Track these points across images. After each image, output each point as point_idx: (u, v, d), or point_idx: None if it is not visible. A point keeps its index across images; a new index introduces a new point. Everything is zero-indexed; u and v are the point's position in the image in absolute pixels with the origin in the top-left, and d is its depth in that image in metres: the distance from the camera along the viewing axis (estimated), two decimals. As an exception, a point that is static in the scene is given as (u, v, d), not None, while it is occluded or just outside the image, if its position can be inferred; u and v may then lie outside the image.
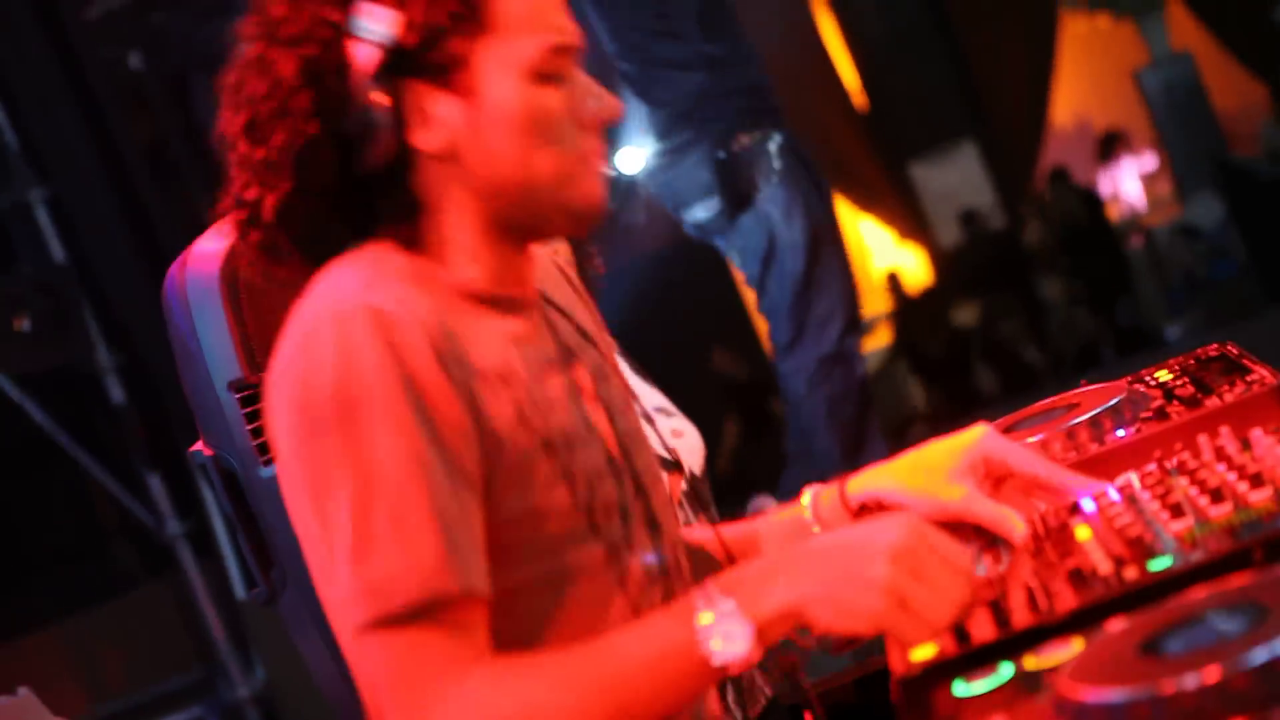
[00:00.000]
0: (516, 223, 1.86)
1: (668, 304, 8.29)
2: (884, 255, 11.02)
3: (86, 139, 6.82)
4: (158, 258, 2.27)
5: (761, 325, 8.96)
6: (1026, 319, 9.63)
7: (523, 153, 1.81)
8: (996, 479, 1.97)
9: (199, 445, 2.69)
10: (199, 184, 6.59)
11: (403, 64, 1.77)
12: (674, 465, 3.35)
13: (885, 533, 1.66)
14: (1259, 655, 1.32)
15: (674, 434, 3.45)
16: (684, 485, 3.36)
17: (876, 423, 5.08)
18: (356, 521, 1.67)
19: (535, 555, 1.80)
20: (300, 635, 2.71)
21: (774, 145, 5.01)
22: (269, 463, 2.53)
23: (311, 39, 1.78)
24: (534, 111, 1.80)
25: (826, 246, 5.05)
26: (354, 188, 1.82)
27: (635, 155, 7.21)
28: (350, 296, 1.75)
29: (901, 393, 9.34)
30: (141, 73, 7.53)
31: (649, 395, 3.54)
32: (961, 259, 10.38)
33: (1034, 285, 10.06)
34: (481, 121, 1.80)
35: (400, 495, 1.67)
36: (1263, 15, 7.34)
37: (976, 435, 1.98)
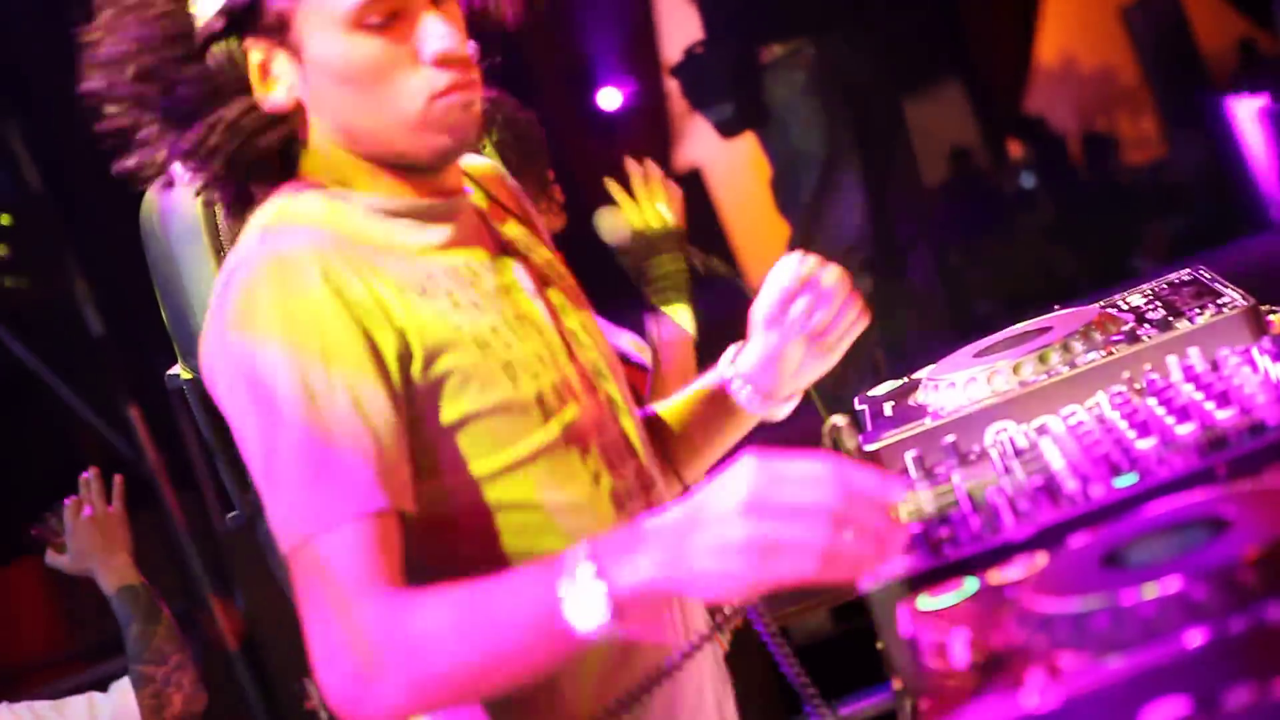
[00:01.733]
0: (382, 158, 1.95)
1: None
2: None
3: (61, 66, 6.78)
4: (136, 185, 2.27)
5: (747, 259, 8.97)
6: (1010, 254, 9.64)
7: (353, 100, 1.90)
8: None
9: (176, 368, 2.70)
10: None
11: (238, 25, 1.89)
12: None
13: (731, 487, 1.57)
14: (1218, 566, 1.34)
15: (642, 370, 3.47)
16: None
17: (874, 337, 5.13)
18: (274, 457, 1.78)
19: (492, 446, 1.88)
20: (277, 560, 2.73)
21: (807, 58, 5.03)
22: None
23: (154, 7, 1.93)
24: (355, 60, 1.88)
25: (842, 166, 5.09)
26: (223, 133, 1.93)
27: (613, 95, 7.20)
28: (254, 244, 1.89)
29: (898, 315, 9.34)
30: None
31: (618, 335, 3.55)
32: (949, 196, 10.37)
33: (1019, 221, 10.06)
34: (311, 75, 1.90)
35: (316, 426, 1.76)
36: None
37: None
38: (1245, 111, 5.65)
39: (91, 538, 3.54)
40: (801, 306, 2.19)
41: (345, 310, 1.82)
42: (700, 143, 8.38)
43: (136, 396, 6.46)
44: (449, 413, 1.87)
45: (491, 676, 1.71)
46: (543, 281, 2.05)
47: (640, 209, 3.23)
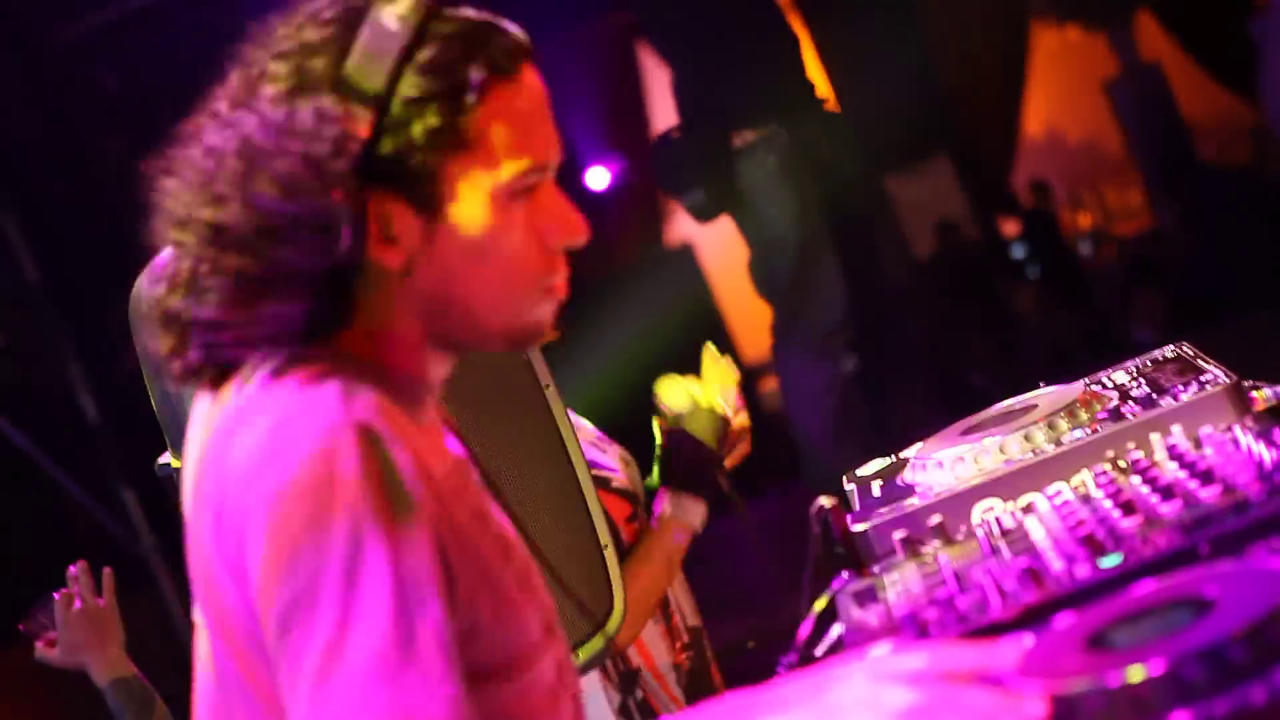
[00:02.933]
0: (452, 338, 1.75)
1: (644, 316, 8.32)
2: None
3: (58, 158, 6.82)
4: (130, 275, 2.29)
5: (739, 332, 9.00)
6: (1001, 327, 9.67)
7: (477, 274, 1.70)
8: None
9: (165, 457, 2.70)
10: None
11: (374, 172, 1.64)
12: (627, 494, 3.35)
13: (850, 684, 1.50)
14: (1203, 647, 1.35)
15: (624, 463, 3.46)
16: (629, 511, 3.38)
17: (861, 415, 5.16)
18: (381, 638, 1.51)
19: (513, 668, 1.70)
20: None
21: (776, 144, 5.08)
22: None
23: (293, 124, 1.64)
24: (497, 235, 1.69)
25: (817, 248, 5.13)
26: (300, 284, 1.65)
27: (601, 174, 7.24)
28: (336, 407, 1.61)
29: (887, 393, 9.37)
30: (115, 94, 7.54)
31: (586, 430, 3.55)
32: (936, 269, 10.42)
33: (1008, 294, 10.11)
34: (441, 238, 1.68)
35: (419, 616, 1.54)
36: (1230, 26, 7.40)
37: None
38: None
39: (83, 631, 3.52)
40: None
41: (428, 498, 1.60)
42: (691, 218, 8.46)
43: (132, 481, 6.47)
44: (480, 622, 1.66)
45: None
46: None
47: (704, 389, 3.20)
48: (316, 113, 1.63)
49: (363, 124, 1.63)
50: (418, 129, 1.64)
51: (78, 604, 3.52)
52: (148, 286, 2.45)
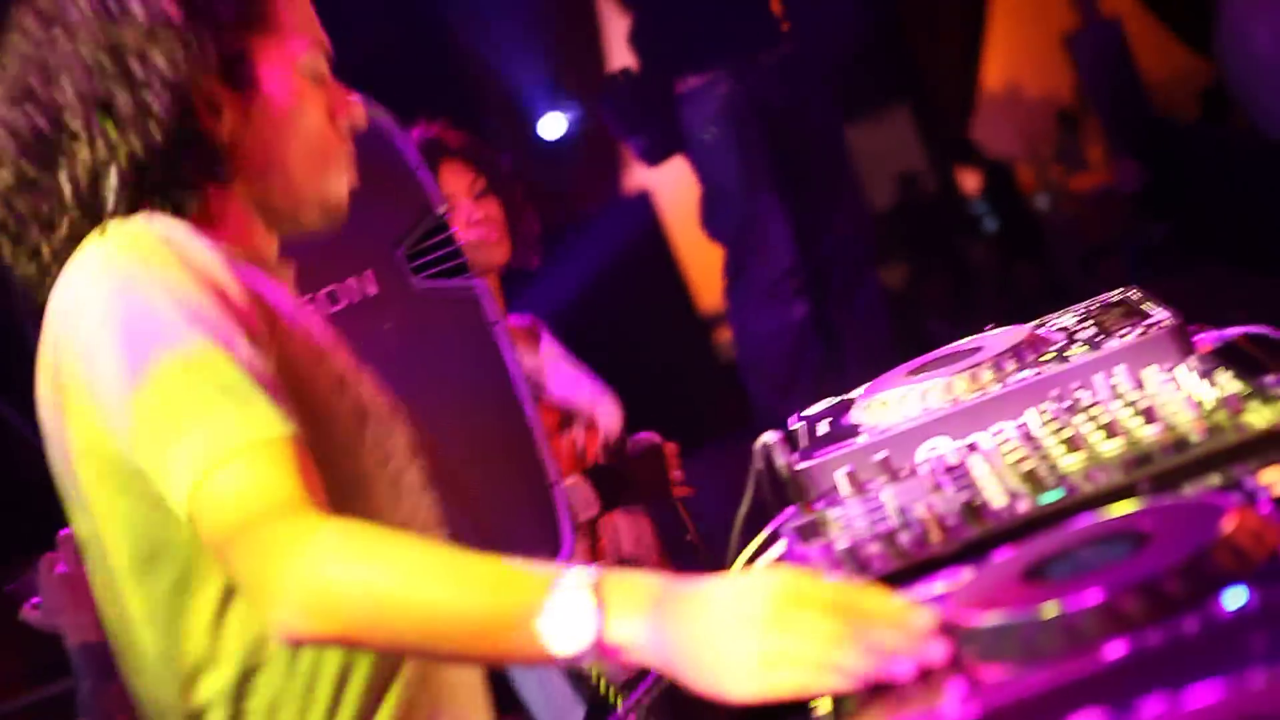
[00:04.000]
0: (273, 208, 2.02)
1: (601, 263, 8.32)
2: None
3: None
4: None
5: (695, 280, 9.00)
6: (958, 277, 9.71)
7: (288, 144, 1.99)
8: None
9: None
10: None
11: (197, 57, 1.91)
12: (590, 425, 3.41)
13: (758, 599, 1.49)
14: (1138, 579, 1.36)
15: (594, 399, 3.50)
16: (600, 446, 3.42)
17: (812, 361, 5.17)
18: (171, 386, 1.74)
19: (337, 484, 1.83)
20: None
21: (719, 90, 5.08)
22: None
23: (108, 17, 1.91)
24: (301, 105, 1.99)
25: (761, 194, 5.13)
26: (137, 166, 1.91)
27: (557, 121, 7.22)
28: (136, 229, 1.88)
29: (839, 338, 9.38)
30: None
31: (571, 367, 3.58)
32: (894, 220, 10.44)
33: (964, 247, 10.14)
34: (256, 111, 1.97)
35: (216, 362, 1.75)
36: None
37: None
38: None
39: (60, 595, 3.57)
40: None
41: (236, 279, 1.86)
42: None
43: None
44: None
45: (436, 642, 1.63)
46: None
47: None
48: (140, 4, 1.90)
49: (174, 11, 1.90)
50: (225, 11, 1.93)
51: (60, 568, 3.56)
52: None
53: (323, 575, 1.63)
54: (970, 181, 11.01)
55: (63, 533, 3.60)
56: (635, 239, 8.88)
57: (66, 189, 1.90)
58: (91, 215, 1.91)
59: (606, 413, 3.52)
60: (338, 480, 1.84)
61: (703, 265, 8.53)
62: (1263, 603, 1.29)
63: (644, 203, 9.27)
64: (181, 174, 1.92)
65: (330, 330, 2.06)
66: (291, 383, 1.84)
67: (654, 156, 5.44)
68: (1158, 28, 9.28)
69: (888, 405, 2.14)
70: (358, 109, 2.07)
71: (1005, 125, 10.68)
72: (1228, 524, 1.39)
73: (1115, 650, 1.30)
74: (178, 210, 1.92)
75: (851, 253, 5.29)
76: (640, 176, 9.02)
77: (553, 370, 3.53)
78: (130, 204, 1.90)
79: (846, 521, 1.83)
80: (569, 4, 8.97)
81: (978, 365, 2.11)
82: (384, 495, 1.98)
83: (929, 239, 9.99)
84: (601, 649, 1.54)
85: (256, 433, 1.71)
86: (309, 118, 2.01)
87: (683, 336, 8.79)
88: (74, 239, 1.92)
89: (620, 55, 6.27)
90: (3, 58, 1.96)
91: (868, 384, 2.30)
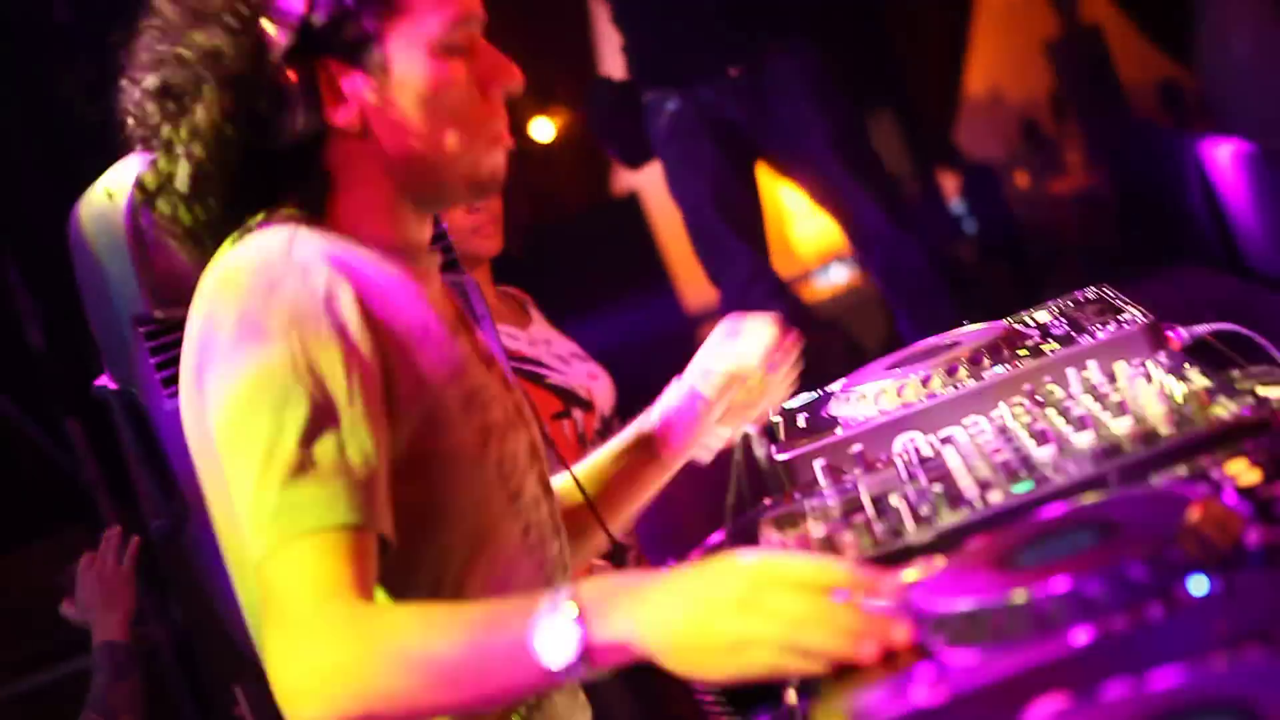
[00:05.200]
0: (421, 193, 1.93)
1: (590, 263, 8.33)
2: (806, 219, 11.12)
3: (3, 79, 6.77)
4: (72, 200, 2.31)
5: (682, 282, 9.03)
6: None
7: (430, 125, 1.87)
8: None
9: (104, 379, 2.72)
10: (118, 124, 6.53)
11: (315, 43, 1.83)
12: (588, 405, 3.44)
13: (729, 579, 1.55)
14: (1104, 566, 1.39)
15: (590, 376, 3.53)
16: (597, 424, 3.45)
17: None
18: (299, 443, 1.69)
19: (459, 511, 1.85)
20: (205, 568, 2.75)
21: (670, 106, 5.12)
22: (174, 395, 2.57)
23: (230, 13, 1.83)
24: (440, 85, 1.87)
25: (711, 209, 5.16)
26: (264, 163, 1.86)
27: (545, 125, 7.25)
28: (278, 248, 1.80)
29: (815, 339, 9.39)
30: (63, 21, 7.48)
31: (563, 343, 3.61)
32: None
33: (946, 247, 10.15)
34: (390, 96, 1.86)
35: (337, 428, 1.71)
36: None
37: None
38: (1220, 155, 5.76)
39: (92, 592, 3.65)
40: (743, 387, 2.28)
41: (368, 329, 1.78)
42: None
43: (76, 409, 6.43)
44: (426, 465, 1.83)
45: (445, 694, 1.65)
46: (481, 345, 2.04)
47: None
48: (247, 3, 1.83)
49: (296, 1, 1.82)
50: None
51: (97, 565, 3.64)
52: (89, 209, 2.47)
53: (330, 662, 1.64)
54: (951, 184, 11.04)
55: (108, 531, 3.67)
56: (623, 240, 8.90)
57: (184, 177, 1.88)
58: (227, 203, 1.88)
59: (601, 391, 3.55)
60: (457, 502, 1.85)
61: (690, 266, 8.57)
62: (1225, 589, 1.32)
63: (632, 204, 9.30)
64: (310, 165, 1.88)
65: (464, 336, 1.97)
66: (413, 406, 1.81)
67: (628, 161, 5.51)
68: (1138, 35, 9.33)
69: (865, 399, 2.17)
70: (512, 75, 1.93)
71: (986, 129, 10.71)
72: (1193, 513, 1.43)
73: (1081, 635, 1.33)
74: (316, 204, 1.89)
75: (755, 272, 5.26)
76: (628, 180, 9.05)
77: (546, 350, 3.56)
78: (262, 196, 1.88)
79: (823, 512, 1.86)
80: (560, 8, 9.00)
81: (954, 360, 2.15)
82: (500, 511, 1.91)
83: (907, 241, 10.01)
84: (592, 653, 1.58)
85: (324, 520, 1.68)
86: (451, 96, 1.88)
87: (669, 336, 8.82)
88: (218, 223, 1.90)
89: (611, 60, 6.29)
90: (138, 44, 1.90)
91: (845, 378, 2.33)
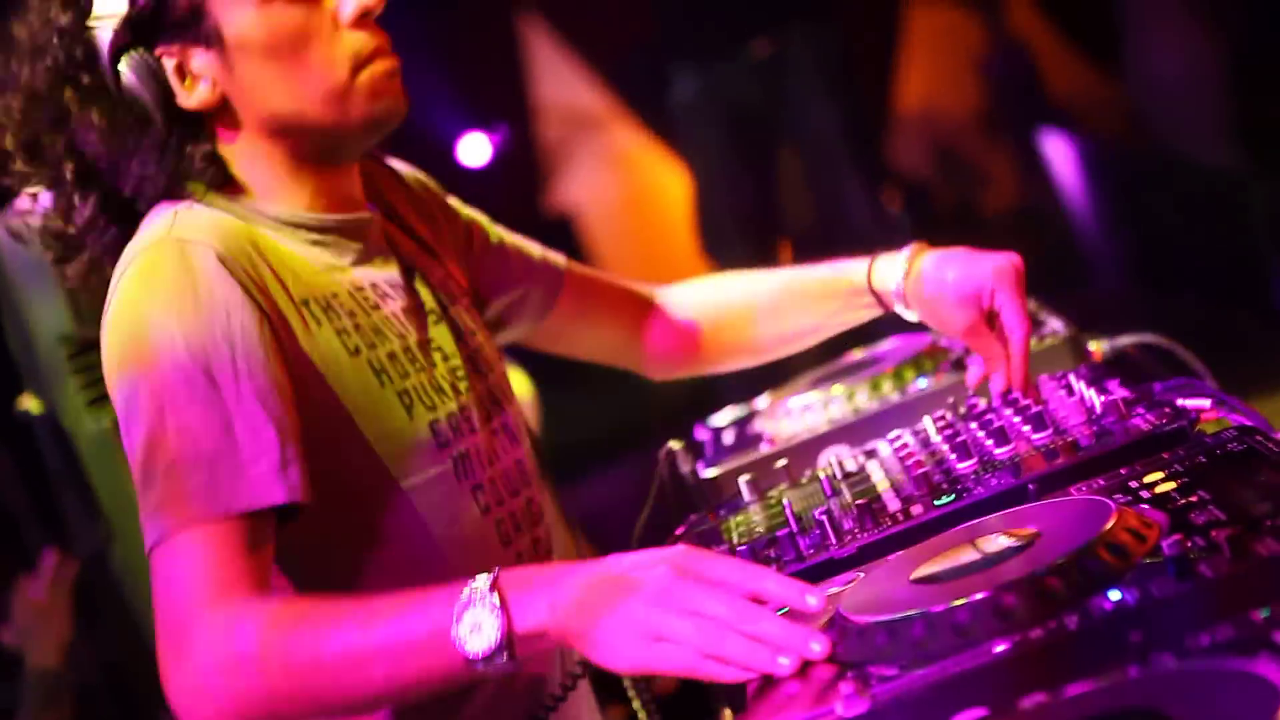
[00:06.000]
0: (313, 146, 1.86)
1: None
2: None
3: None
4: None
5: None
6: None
7: (287, 76, 1.82)
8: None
9: (24, 400, 2.70)
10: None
11: (146, 34, 1.80)
12: None
13: (650, 570, 1.53)
14: (1021, 577, 1.39)
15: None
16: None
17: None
18: (178, 431, 1.68)
19: (379, 475, 1.82)
20: (130, 589, 2.73)
21: (689, 80, 5.15)
22: (97, 418, 2.55)
23: (52, 44, 1.81)
24: (279, 32, 1.81)
25: (729, 195, 5.23)
26: (148, 158, 1.82)
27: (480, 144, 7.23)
28: (157, 234, 1.79)
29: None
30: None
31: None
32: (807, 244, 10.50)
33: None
34: (235, 61, 1.81)
35: (222, 410, 1.69)
36: (1099, 5, 7.53)
37: (990, 272, 1.98)
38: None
39: (27, 618, 3.62)
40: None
41: (252, 302, 1.74)
42: (571, 189, 8.42)
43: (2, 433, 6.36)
44: (338, 436, 1.81)
45: (361, 689, 1.62)
46: (450, 300, 2.00)
47: None
48: (69, 23, 1.80)
49: (113, 2, 1.79)
50: None
51: (33, 591, 3.60)
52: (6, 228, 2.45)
53: (215, 661, 1.61)
54: (892, 200, 11.10)
55: (44, 555, 3.63)
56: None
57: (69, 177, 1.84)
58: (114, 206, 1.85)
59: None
60: (366, 480, 1.82)
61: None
62: (1140, 598, 1.33)
63: (565, 228, 9.29)
64: (185, 152, 1.83)
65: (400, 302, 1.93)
66: (311, 378, 1.79)
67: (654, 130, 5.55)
68: (1067, 50, 9.41)
69: (791, 414, 2.18)
70: None
71: (921, 146, 10.78)
72: (1109, 524, 1.43)
73: (999, 647, 1.33)
74: (209, 187, 1.84)
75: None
76: (561, 203, 9.04)
77: None
78: (155, 190, 1.84)
79: (747, 527, 1.86)
80: (487, 27, 8.99)
81: (879, 375, 2.15)
82: (442, 499, 1.87)
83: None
84: (514, 640, 1.56)
85: (211, 508, 1.66)
86: (296, 38, 1.81)
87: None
88: (111, 226, 1.86)
89: (544, 78, 6.28)
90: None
91: (769, 392, 2.34)
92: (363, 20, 1.83)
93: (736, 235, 5.18)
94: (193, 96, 1.81)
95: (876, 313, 2.11)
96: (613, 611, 1.51)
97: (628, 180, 7.77)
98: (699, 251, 5.48)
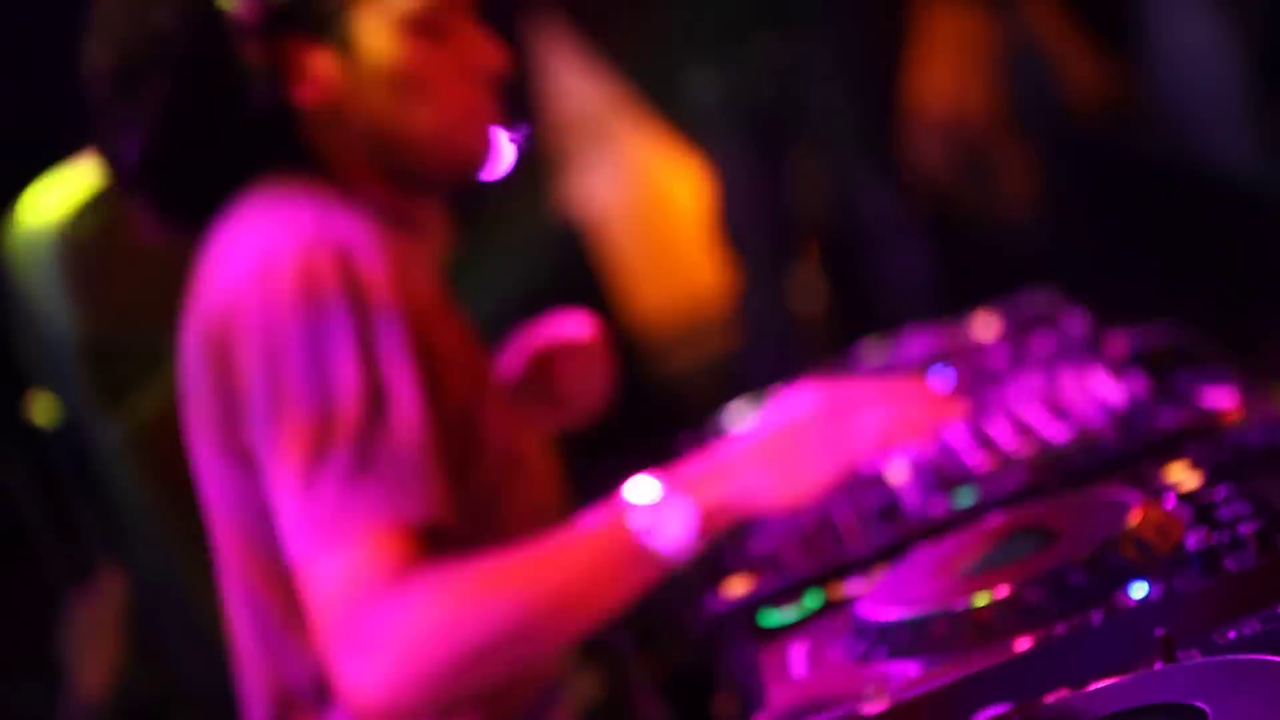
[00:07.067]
0: (401, 173, 1.86)
1: (532, 293, 8.30)
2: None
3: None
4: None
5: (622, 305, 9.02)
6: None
7: (401, 107, 1.82)
8: None
9: (35, 406, 2.67)
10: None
11: (278, 18, 1.78)
12: None
13: (801, 406, 1.68)
14: (1044, 573, 1.38)
15: None
16: None
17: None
18: (330, 445, 1.65)
19: (486, 471, 1.83)
20: (147, 605, 2.72)
21: (705, 85, 5.15)
22: (115, 424, 2.53)
23: None
24: (411, 65, 1.81)
25: (745, 202, 5.25)
26: (234, 142, 1.81)
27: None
28: (309, 227, 1.76)
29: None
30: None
31: None
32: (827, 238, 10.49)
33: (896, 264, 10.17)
34: (359, 75, 1.80)
35: (380, 420, 1.66)
36: (1118, 6, 7.52)
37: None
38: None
39: (81, 635, 3.59)
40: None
41: (408, 313, 1.73)
42: (584, 192, 8.42)
43: (15, 445, 6.37)
44: (461, 444, 1.79)
45: (559, 625, 1.64)
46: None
47: None
48: None
49: None
50: None
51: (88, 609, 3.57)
52: (16, 230, 2.43)
53: (416, 634, 1.59)
54: (912, 201, 11.07)
55: (102, 569, 3.60)
56: (559, 263, 8.88)
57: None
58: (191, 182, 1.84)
59: None
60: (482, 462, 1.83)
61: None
62: (1164, 594, 1.31)
63: (569, 228, 9.29)
64: (281, 145, 1.82)
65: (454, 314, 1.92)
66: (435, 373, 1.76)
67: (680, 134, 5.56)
68: (1087, 50, 9.41)
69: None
70: (494, 57, 1.86)
71: (941, 148, 10.77)
72: (1133, 519, 1.41)
73: (1022, 643, 1.32)
74: (296, 181, 1.82)
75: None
76: (568, 201, 9.04)
77: None
78: (231, 176, 1.82)
79: (766, 526, 1.85)
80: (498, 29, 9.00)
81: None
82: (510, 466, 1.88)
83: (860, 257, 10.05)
84: (706, 520, 1.62)
85: (373, 519, 1.64)
86: (423, 77, 1.82)
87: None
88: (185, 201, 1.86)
89: (555, 80, 6.28)
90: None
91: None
92: (489, 81, 1.87)
93: (761, 236, 5.18)
94: (306, 93, 1.80)
95: None
96: (798, 443, 1.65)
97: (643, 183, 7.76)
98: (720, 254, 5.48)
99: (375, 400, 1.66)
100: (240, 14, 1.76)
